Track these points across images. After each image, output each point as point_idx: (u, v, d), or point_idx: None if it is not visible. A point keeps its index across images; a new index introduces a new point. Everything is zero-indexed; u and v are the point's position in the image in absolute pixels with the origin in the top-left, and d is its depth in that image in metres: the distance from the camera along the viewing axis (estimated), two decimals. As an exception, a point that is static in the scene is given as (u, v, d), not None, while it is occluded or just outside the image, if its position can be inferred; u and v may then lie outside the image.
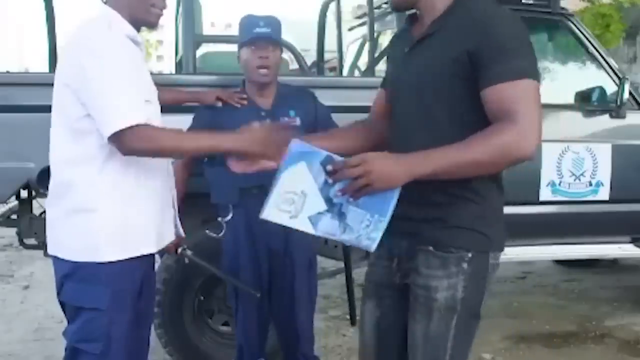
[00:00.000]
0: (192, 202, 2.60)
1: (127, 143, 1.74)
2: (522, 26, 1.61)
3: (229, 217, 2.61)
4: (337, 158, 1.52)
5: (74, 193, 1.86)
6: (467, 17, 1.58)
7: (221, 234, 2.63)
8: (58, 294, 1.94)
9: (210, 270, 2.70)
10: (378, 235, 1.55)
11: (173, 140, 1.83)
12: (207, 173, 2.64)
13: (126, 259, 1.87)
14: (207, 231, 2.68)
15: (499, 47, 1.51)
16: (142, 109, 1.79)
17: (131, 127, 1.72)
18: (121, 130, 1.72)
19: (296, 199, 1.54)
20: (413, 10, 1.75)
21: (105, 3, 1.95)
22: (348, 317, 3.34)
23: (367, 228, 1.55)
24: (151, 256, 1.99)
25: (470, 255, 1.64)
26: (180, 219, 2.18)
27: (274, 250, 2.61)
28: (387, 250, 1.75)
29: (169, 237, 2.06)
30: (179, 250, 2.40)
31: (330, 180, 1.52)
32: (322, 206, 1.54)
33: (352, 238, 1.56)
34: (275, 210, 1.56)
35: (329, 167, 1.51)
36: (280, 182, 1.55)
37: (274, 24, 2.55)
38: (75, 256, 1.86)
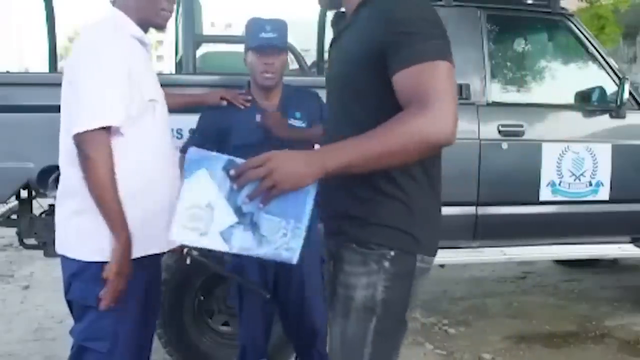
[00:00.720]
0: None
1: (82, 143, 1.75)
2: (429, 8, 1.52)
3: None
4: (240, 160, 1.35)
5: (81, 194, 1.85)
6: (375, 6, 1.48)
7: None
8: (65, 293, 1.95)
9: (216, 270, 2.70)
10: (298, 244, 1.37)
11: (106, 177, 1.78)
12: None
13: (133, 259, 1.86)
14: None
15: (405, 32, 1.40)
16: (119, 112, 1.79)
17: (97, 130, 1.74)
18: (87, 131, 1.74)
19: (203, 213, 1.37)
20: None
21: (113, 4, 1.96)
22: None
23: (284, 237, 1.37)
24: (158, 256, 2.00)
25: (392, 253, 1.49)
26: None
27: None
28: (327, 252, 1.68)
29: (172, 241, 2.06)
30: (185, 250, 2.40)
31: (235, 187, 1.35)
32: (232, 218, 1.37)
33: (270, 251, 1.38)
34: (182, 229, 1.38)
35: (232, 172, 1.34)
36: (182, 196, 1.39)
37: (280, 28, 2.54)
38: (82, 256, 1.87)
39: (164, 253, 2.04)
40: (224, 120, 2.60)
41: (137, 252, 1.87)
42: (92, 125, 1.74)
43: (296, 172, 1.31)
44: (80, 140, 1.75)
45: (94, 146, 1.75)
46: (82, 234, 1.88)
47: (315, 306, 2.66)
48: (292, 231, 1.37)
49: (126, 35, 1.90)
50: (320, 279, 2.66)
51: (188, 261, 2.52)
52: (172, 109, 2.56)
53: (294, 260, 1.38)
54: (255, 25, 2.54)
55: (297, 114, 2.61)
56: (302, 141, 2.54)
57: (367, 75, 1.45)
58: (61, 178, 1.96)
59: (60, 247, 1.94)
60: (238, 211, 1.36)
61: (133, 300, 1.90)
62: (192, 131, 2.97)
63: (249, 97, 2.63)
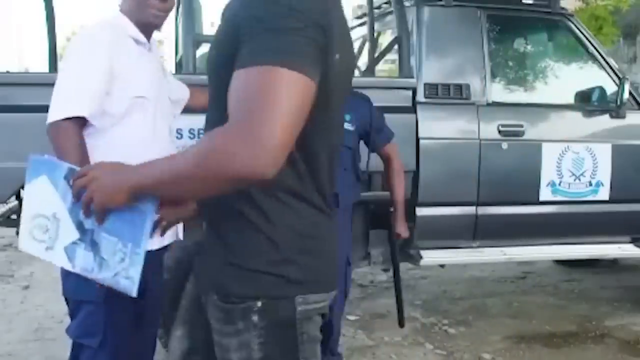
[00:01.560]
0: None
1: (52, 134, 1.82)
2: None
3: None
4: (78, 169, 1.21)
5: None
6: None
7: None
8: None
9: None
10: (136, 273, 1.18)
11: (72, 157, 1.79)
12: None
13: None
14: None
15: (255, 16, 1.08)
16: (85, 104, 1.83)
17: (64, 120, 1.79)
18: (56, 122, 1.80)
19: (49, 224, 1.23)
20: None
21: (120, 10, 2.05)
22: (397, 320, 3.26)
23: (122, 262, 1.19)
24: (154, 254, 1.97)
25: (259, 304, 1.17)
26: None
27: None
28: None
29: (169, 236, 2.05)
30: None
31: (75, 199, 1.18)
32: (75, 234, 1.21)
33: (108, 277, 1.20)
34: (30, 239, 1.25)
35: (71, 182, 1.18)
36: (26, 202, 1.26)
37: None
38: None
39: (161, 250, 2.04)
40: None
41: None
42: (59, 115, 1.80)
43: (110, 187, 1.12)
44: (50, 131, 1.82)
45: (61, 136, 1.81)
46: None
47: (336, 306, 2.69)
48: (131, 257, 1.18)
49: (120, 34, 1.95)
50: (343, 277, 2.73)
51: None
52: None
53: (134, 292, 1.20)
54: None
55: (347, 117, 2.66)
56: (348, 146, 2.68)
57: (226, 61, 1.12)
58: None
59: None
60: (80, 227, 1.21)
61: (124, 297, 1.89)
62: (191, 131, 2.97)
63: None
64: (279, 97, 1.01)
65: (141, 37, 2.01)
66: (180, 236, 2.18)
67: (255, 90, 1.01)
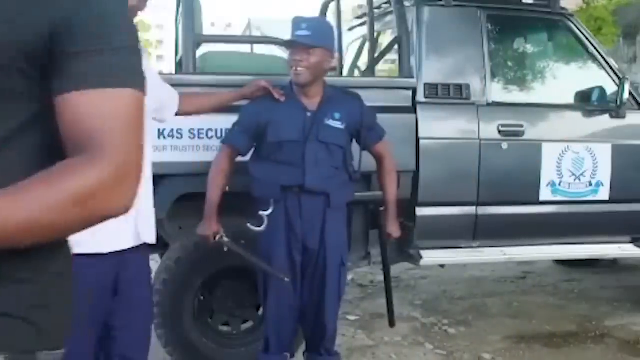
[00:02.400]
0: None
1: None
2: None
3: (269, 212, 2.66)
4: None
5: None
6: None
7: (262, 227, 2.67)
8: None
9: (246, 258, 2.75)
10: None
11: None
12: (252, 168, 2.71)
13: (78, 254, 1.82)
14: (248, 224, 2.70)
15: (95, 20, 0.84)
16: None
17: None
18: None
19: None
20: None
21: None
22: (387, 321, 3.29)
23: None
24: (102, 257, 1.87)
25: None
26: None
27: (309, 247, 2.68)
28: None
29: (131, 239, 1.96)
30: (217, 237, 2.52)
31: None
32: None
33: None
34: None
35: None
36: None
37: (316, 27, 2.61)
38: None
39: (106, 255, 1.91)
40: (264, 115, 2.66)
41: (83, 249, 1.80)
42: None
43: None
44: None
45: None
46: None
47: (330, 307, 2.73)
48: None
49: None
50: (337, 280, 2.73)
51: (225, 249, 2.67)
52: (214, 111, 2.67)
53: None
54: (294, 23, 2.62)
55: (336, 115, 2.66)
56: (338, 145, 2.65)
57: (11, 79, 0.84)
58: None
59: None
60: None
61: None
62: (192, 131, 2.98)
63: (282, 92, 2.69)
64: (138, 128, 0.88)
65: None
66: (144, 238, 2.02)
67: (127, 119, 0.86)
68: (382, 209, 3.01)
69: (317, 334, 2.79)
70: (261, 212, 2.67)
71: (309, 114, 2.65)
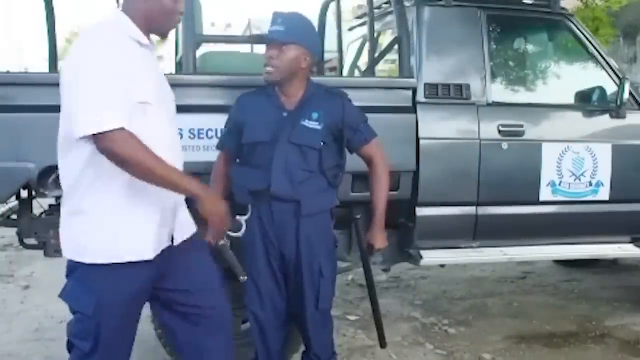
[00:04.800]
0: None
1: (102, 144, 1.75)
2: None
3: (247, 216, 2.57)
4: None
5: (72, 195, 1.90)
6: None
7: (240, 232, 2.57)
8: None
9: (235, 269, 2.65)
10: None
11: (150, 159, 1.79)
12: (232, 172, 2.64)
13: (114, 264, 1.88)
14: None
15: None
16: (119, 112, 1.77)
17: (108, 131, 1.73)
18: (97, 133, 1.74)
19: None
20: None
21: (120, 7, 1.97)
22: (376, 338, 3.06)
23: None
24: (145, 264, 1.93)
25: None
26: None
27: (285, 255, 2.56)
28: None
29: (165, 243, 2.01)
30: (220, 243, 2.37)
31: None
32: None
33: None
34: None
35: None
36: None
37: (290, 22, 2.48)
38: (71, 255, 1.92)
39: (150, 261, 1.95)
40: (242, 114, 2.59)
41: (118, 258, 1.88)
42: (109, 125, 1.73)
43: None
44: (105, 141, 1.74)
45: (128, 145, 1.75)
46: (71, 235, 1.93)
47: (311, 318, 2.61)
48: None
49: (123, 35, 1.89)
50: (315, 288, 2.56)
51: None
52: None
53: None
54: (271, 18, 2.51)
55: (314, 115, 2.52)
56: (311, 146, 2.49)
57: None
58: (63, 179, 1.98)
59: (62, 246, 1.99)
60: None
61: (114, 309, 1.91)
62: (191, 131, 2.97)
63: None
64: None
65: (144, 39, 1.95)
66: (179, 239, 2.08)
67: None
68: (358, 216, 2.84)
69: (305, 339, 2.71)
70: (238, 217, 2.56)
71: (285, 114, 2.52)
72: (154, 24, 1.96)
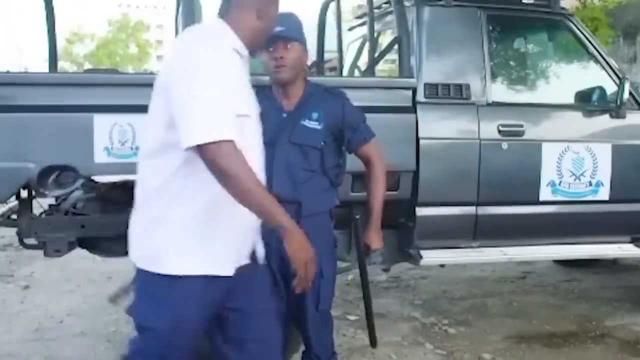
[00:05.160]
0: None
1: (210, 155, 1.65)
2: None
3: None
4: None
5: (153, 201, 1.81)
6: None
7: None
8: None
9: None
10: None
11: (251, 180, 1.69)
12: None
13: (194, 277, 1.78)
14: None
15: None
16: (230, 125, 1.69)
17: (217, 142, 1.64)
18: (205, 144, 1.64)
19: None
20: None
21: (221, 17, 1.91)
22: (367, 337, 3.07)
23: None
24: (228, 280, 1.85)
25: None
26: None
27: (285, 257, 2.55)
28: None
29: (245, 260, 1.94)
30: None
31: None
32: None
33: None
34: None
35: None
36: None
37: (289, 21, 2.47)
38: (146, 264, 1.82)
39: (229, 277, 1.87)
40: None
41: (198, 269, 1.79)
42: (219, 136, 1.65)
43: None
44: (209, 153, 1.65)
45: (232, 158, 1.66)
46: (146, 243, 1.83)
47: (311, 319, 2.60)
48: None
49: (229, 46, 1.84)
50: (316, 293, 2.53)
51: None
52: None
53: None
54: None
55: (314, 115, 2.51)
56: (313, 146, 2.48)
57: None
58: (139, 183, 1.88)
59: (132, 254, 1.89)
60: None
61: (187, 327, 1.85)
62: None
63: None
64: None
65: (245, 52, 1.90)
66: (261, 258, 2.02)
67: None
68: (357, 216, 2.82)
69: (305, 340, 2.69)
70: None
71: (284, 115, 2.51)
72: (255, 43, 1.93)
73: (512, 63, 3.97)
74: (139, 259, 1.84)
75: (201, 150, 1.65)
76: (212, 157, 1.65)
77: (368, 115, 2.70)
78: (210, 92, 1.68)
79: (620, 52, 11.23)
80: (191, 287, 1.78)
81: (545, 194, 3.48)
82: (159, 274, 1.78)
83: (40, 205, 3.26)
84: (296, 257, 1.77)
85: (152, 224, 1.81)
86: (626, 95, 3.53)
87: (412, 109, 3.31)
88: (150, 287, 1.81)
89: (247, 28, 1.89)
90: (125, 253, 3.66)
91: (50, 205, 3.26)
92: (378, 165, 2.66)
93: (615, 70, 3.68)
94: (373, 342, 3.04)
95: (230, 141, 1.66)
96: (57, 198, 3.24)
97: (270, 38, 2.42)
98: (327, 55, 4.70)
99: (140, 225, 1.85)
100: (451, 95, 3.39)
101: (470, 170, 3.38)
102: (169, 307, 1.78)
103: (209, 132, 1.65)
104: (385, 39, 4.15)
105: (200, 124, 1.66)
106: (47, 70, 3.48)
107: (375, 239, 2.72)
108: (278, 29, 2.44)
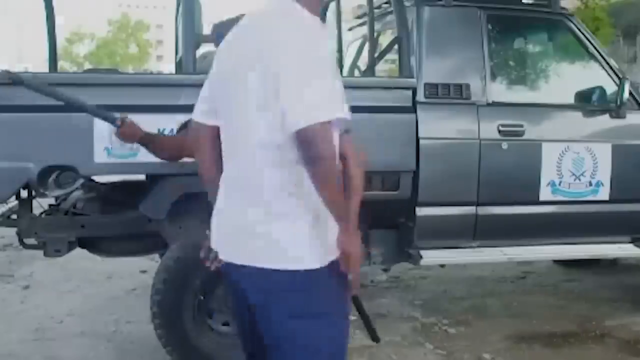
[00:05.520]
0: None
1: (312, 134, 1.58)
2: None
3: None
4: None
5: (273, 198, 1.71)
6: None
7: None
8: (261, 313, 1.77)
9: None
10: None
11: (336, 169, 1.66)
12: None
13: (322, 268, 1.74)
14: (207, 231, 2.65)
15: None
16: (341, 106, 1.66)
17: (325, 123, 1.59)
18: (314, 125, 1.57)
19: None
20: None
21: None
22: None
23: None
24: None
25: None
26: None
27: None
28: None
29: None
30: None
31: None
32: None
33: None
34: None
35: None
36: None
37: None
38: (282, 263, 1.71)
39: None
40: None
41: (328, 260, 1.75)
42: (329, 116, 1.60)
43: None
44: (314, 130, 1.58)
45: (324, 143, 1.59)
46: (280, 242, 1.73)
47: None
48: None
49: (325, 33, 1.81)
50: None
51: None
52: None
53: None
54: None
55: None
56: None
57: None
58: (250, 177, 1.76)
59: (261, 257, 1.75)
60: None
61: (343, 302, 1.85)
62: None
63: None
64: None
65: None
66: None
67: None
68: None
69: None
70: None
71: None
72: (318, 13, 1.85)
73: (512, 63, 3.97)
74: (268, 260, 1.71)
75: (300, 133, 1.59)
76: (310, 136, 1.58)
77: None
78: (320, 76, 1.64)
79: (620, 52, 11.24)
80: (323, 277, 1.74)
81: (545, 194, 3.48)
82: (299, 271, 1.70)
83: (40, 205, 3.26)
84: (349, 251, 1.71)
85: (276, 221, 1.71)
86: (626, 95, 3.54)
87: (412, 109, 3.31)
88: (296, 285, 1.72)
89: (314, 2, 1.81)
90: (125, 253, 3.67)
91: (50, 205, 3.26)
92: (354, 163, 2.63)
93: (615, 70, 3.68)
94: (375, 339, 3.01)
95: (330, 122, 1.62)
96: (57, 198, 3.24)
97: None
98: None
99: (258, 222, 1.72)
100: (451, 95, 3.39)
101: (470, 170, 3.39)
102: (331, 295, 1.76)
103: (318, 113, 1.59)
104: (385, 39, 4.15)
105: (313, 105, 1.60)
106: (47, 70, 3.48)
107: (353, 243, 2.69)
108: None
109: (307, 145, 1.59)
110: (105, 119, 2.66)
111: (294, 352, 1.78)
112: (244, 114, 1.72)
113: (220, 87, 1.82)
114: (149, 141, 2.74)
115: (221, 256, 1.84)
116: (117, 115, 2.63)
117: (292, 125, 1.59)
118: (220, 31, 2.54)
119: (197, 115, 1.93)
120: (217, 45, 2.49)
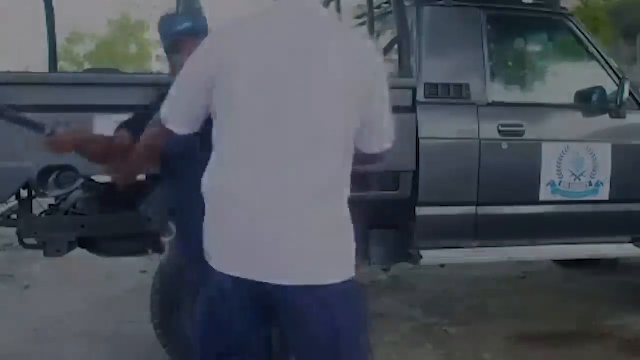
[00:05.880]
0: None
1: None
2: None
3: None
4: None
5: (331, 203, 1.61)
6: None
7: None
8: (322, 329, 1.62)
9: None
10: None
11: None
12: None
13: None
14: None
15: None
16: None
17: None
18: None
19: None
20: None
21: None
22: None
23: None
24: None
25: None
26: None
27: None
28: None
29: None
30: None
31: None
32: None
33: None
34: None
35: None
36: None
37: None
38: (343, 274, 1.63)
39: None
40: None
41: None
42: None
43: None
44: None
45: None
46: (344, 251, 1.65)
47: None
48: None
49: None
50: None
51: None
52: None
53: None
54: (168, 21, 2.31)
55: None
56: None
57: None
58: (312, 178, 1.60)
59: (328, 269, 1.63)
60: None
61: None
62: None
63: None
64: None
65: None
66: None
67: None
68: None
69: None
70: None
71: None
72: None
73: (512, 63, 3.97)
74: (336, 271, 1.61)
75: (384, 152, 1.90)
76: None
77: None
78: None
79: (620, 52, 11.24)
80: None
81: (545, 194, 3.48)
82: (350, 281, 1.63)
83: (40, 205, 3.26)
84: None
85: (338, 230, 1.64)
86: (626, 95, 3.54)
87: (412, 108, 3.31)
88: (350, 294, 1.64)
89: None
90: (125, 253, 3.67)
91: (50, 205, 3.26)
92: None
93: (615, 70, 3.68)
94: None
95: None
96: (57, 198, 3.24)
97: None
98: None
99: (322, 230, 1.59)
100: (451, 95, 3.39)
101: (471, 170, 3.39)
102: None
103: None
104: (385, 39, 4.15)
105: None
106: (47, 70, 3.48)
107: None
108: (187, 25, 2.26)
109: (381, 157, 1.93)
110: (29, 126, 2.05)
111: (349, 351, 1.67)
112: (323, 110, 1.61)
113: (268, 84, 1.60)
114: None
115: (253, 276, 1.59)
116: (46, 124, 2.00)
117: (386, 145, 1.88)
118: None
119: (174, 123, 1.75)
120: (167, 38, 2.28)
